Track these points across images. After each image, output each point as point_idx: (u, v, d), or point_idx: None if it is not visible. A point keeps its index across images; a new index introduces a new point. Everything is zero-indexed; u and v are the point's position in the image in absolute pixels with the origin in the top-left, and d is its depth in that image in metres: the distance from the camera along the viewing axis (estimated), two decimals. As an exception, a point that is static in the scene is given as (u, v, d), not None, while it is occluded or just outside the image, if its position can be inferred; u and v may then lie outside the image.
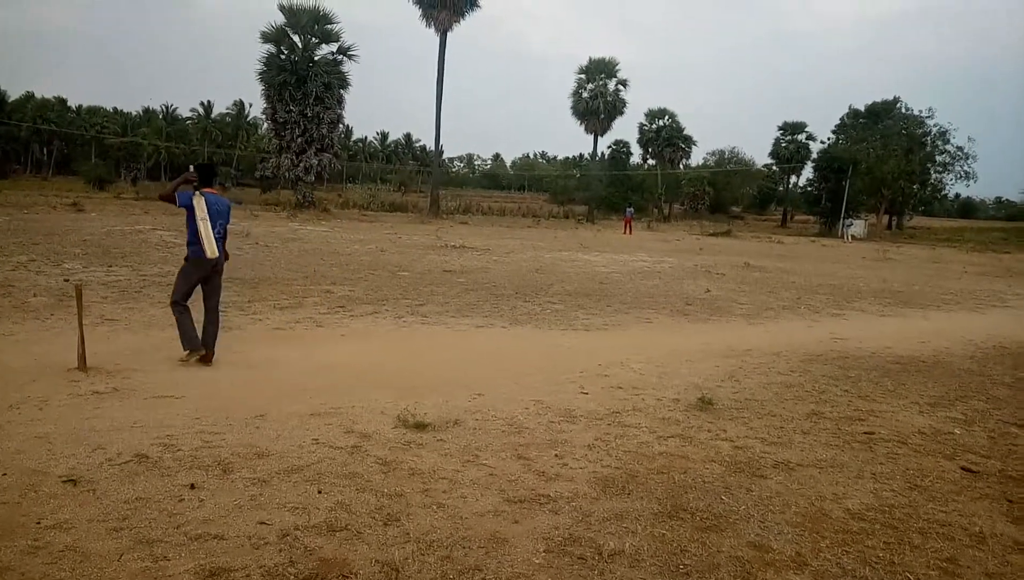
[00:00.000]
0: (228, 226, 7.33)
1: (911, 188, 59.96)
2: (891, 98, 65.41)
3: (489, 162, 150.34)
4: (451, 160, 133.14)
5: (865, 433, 5.76)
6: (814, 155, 69.28)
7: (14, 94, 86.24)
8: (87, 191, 48.23)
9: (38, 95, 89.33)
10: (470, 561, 3.35)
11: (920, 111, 62.06)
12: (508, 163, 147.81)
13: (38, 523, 3.46)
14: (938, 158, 59.57)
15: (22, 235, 18.04)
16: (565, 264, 19.86)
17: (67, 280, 11.41)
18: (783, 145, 75.38)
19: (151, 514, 3.62)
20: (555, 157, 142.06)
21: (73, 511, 3.61)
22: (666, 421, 5.77)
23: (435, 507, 3.91)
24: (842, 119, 70.06)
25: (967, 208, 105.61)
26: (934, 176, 60.98)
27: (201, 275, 7.14)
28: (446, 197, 60.08)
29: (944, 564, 3.60)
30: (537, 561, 3.39)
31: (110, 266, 13.62)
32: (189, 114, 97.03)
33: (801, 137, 75.01)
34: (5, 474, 4.00)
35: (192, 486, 3.98)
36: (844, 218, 53.65)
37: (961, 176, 59.22)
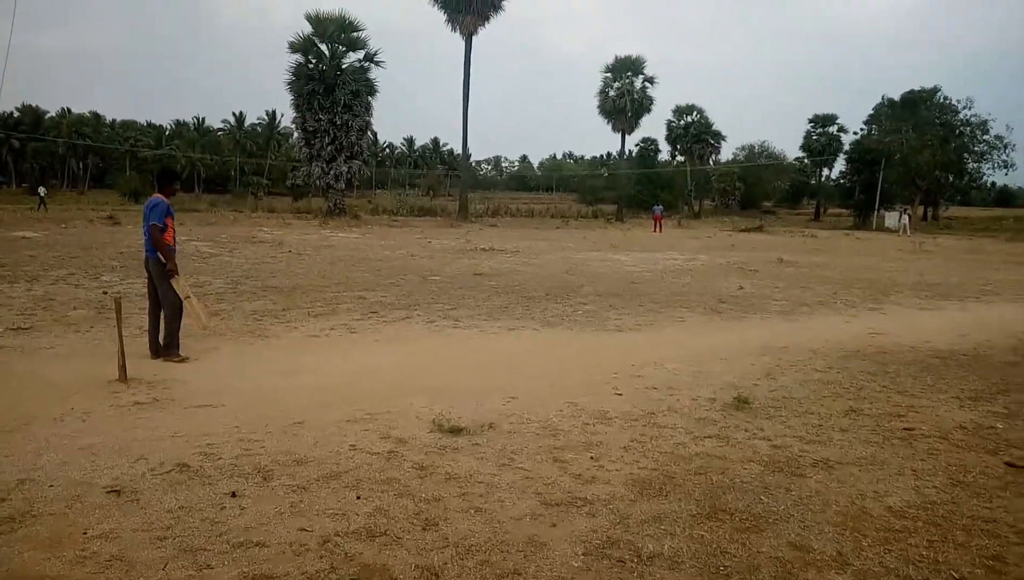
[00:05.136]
0: (153, 225, 7.47)
1: (947, 178, 58.93)
2: (930, 87, 64.17)
3: (516, 164, 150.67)
4: (479, 163, 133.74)
5: (905, 429, 5.67)
6: (846, 147, 68.47)
7: (51, 111, 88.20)
8: (123, 204, 49.08)
9: (74, 111, 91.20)
10: (509, 565, 3.36)
11: (958, 100, 60.96)
12: (535, 164, 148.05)
13: (84, 533, 3.53)
14: (976, 148, 58.42)
15: (61, 249, 18.42)
16: (595, 264, 19.81)
17: (106, 292, 11.63)
18: (814, 138, 74.60)
19: (194, 523, 3.68)
20: (582, 157, 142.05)
21: (118, 521, 3.68)
22: (702, 421, 5.73)
23: (472, 511, 3.93)
24: (875, 109, 69.00)
25: (1005, 196, 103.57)
26: (971, 165, 59.86)
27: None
28: (474, 200, 60.21)
29: (990, 562, 3.53)
30: (576, 564, 3.39)
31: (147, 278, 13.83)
32: (221, 125, 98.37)
33: (832, 129, 74.24)
34: (52, 486, 4.09)
35: (233, 494, 4.03)
36: (901, 210, 51.75)
37: (1000, 165, 58.09)
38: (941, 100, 63.06)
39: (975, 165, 60.12)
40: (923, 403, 6.48)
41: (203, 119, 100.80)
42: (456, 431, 5.23)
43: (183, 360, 7.31)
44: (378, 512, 3.87)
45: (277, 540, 3.52)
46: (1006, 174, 62.73)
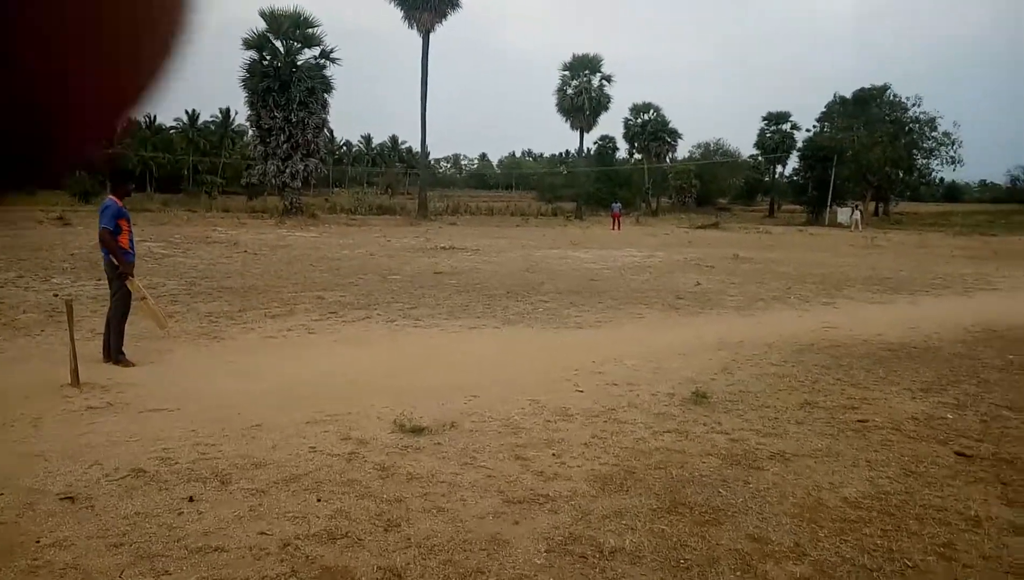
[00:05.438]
0: (103, 228, 7.16)
1: (897, 174, 60.22)
2: (880, 85, 65.47)
3: (475, 162, 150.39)
4: (438, 161, 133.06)
5: (859, 421, 5.79)
6: (799, 144, 69.59)
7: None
8: (73, 205, 47.91)
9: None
10: (472, 564, 3.36)
11: (907, 98, 62.29)
12: (495, 162, 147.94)
13: (37, 542, 3.45)
14: (925, 145, 59.76)
15: (9, 251, 17.94)
16: (555, 262, 19.88)
17: (56, 295, 11.35)
18: (768, 135, 75.68)
19: (150, 528, 3.62)
20: (541, 155, 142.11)
21: (72, 528, 3.60)
22: (661, 416, 5.79)
23: (435, 511, 3.92)
24: (827, 107, 70.20)
25: (953, 192, 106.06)
26: (920, 162, 61.21)
27: None
28: (434, 198, 59.88)
29: (941, 549, 3.63)
30: (538, 561, 3.41)
31: (99, 279, 13.53)
32: (173, 123, 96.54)
33: (786, 127, 75.29)
34: (2, 493, 3.99)
35: (191, 499, 3.97)
36: (853, 206, 52.68)
37: (948, 161, 59.49)
38: (891, 97, 64.35)
39: (924, 161, 61.44)
40: (876, 395, 6.62)
41: (154, 117, 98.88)
42: (417, 431, 5.21)
43: (129, 365, 7.18)
44: (339, 514, 3.84)
45: (236, 544, 3.48)
46: (954, 170, 64.05)
